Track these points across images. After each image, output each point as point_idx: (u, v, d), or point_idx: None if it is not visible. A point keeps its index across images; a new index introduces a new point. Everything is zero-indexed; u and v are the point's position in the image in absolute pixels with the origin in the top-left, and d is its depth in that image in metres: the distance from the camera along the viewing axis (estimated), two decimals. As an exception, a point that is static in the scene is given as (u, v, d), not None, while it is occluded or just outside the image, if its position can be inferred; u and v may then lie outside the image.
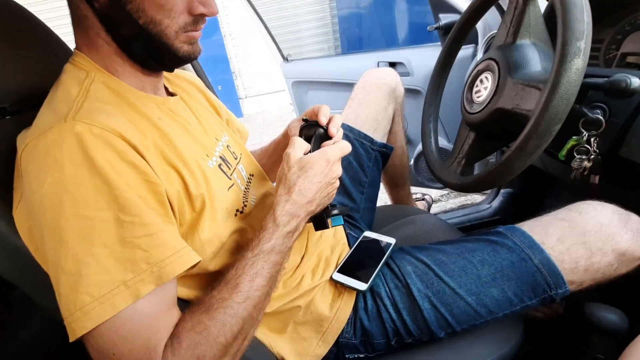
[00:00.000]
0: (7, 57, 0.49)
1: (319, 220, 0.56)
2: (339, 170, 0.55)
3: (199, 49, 0.51)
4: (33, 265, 0.42)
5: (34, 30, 0.54)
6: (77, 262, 0.36)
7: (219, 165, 0.55)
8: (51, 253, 0.38)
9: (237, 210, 0.56)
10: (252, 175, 0.65)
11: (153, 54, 0.48)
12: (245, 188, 0.60)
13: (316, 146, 0.57)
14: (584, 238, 0.57)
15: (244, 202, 0.58)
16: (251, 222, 0.58)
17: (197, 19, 0.48)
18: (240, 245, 0.55)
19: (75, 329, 0.36)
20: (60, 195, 0.37)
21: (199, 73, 1.10)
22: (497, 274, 0.58)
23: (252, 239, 0.49)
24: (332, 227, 0.56)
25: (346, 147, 0.56)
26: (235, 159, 0.62)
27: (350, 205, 0.83)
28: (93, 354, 0.37)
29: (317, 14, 4.03)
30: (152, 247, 0.39)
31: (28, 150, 0.40)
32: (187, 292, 0.50)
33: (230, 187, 0.55)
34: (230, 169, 0.58)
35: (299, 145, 0.55)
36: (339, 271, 0.63)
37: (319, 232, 0.68)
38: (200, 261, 0.43)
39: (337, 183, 0.56)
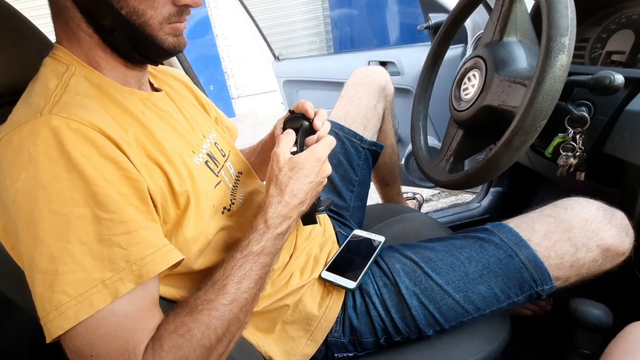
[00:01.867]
0: None
1: (308, 216, 0.55)
2: (328, 169, 0.54)
3: (184, 41, 0.50)
4: (10, 263, 0.41)
5: (11, 22, 0.52)
6: (53, 260, 0.35)
7: (206, 162, 0.54)
8: (26, 251, 0.36)
9: (225, 208, 0.55)
10: (241, 173, 0.64)
11: (136, 46, 0.47)
12: (234, 186, 0.60)
13: (302, 139, 0.57)
14: (569, 234, 0.58)
15: (231, 200, 0.57)
16: (239, 219, 0.57)
17: (182, 10, 0.46)
18: (228, 244, 0.54)
19: (52, 329, 0.35)
20: (35, 191, 0.36)
21: (187, 70, 1.09)
22: (484, 270, 0.58)
23: (241, 239, 0.49)
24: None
25: (332, 142, 0.56)
26: (224, 156, 0.61)
27: (340, 204, 0.83)
28: (70, 355, 0.36)
29: (310, 13, 4.03)
30: (132, 245, 0.38)
31: (1, 144, 0.38)
32: (172, 292, 0.49)
33: (217, 185, 0.54)
34: (217, 166, 0.57)
35: (285, 144, 0.54)
36: (327, 269, 0.62)
37: (309, 230, 0.68)
38: (183, 259, 0.42)
39: (326, 181, 0.55)
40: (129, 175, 0.40)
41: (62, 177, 0.36)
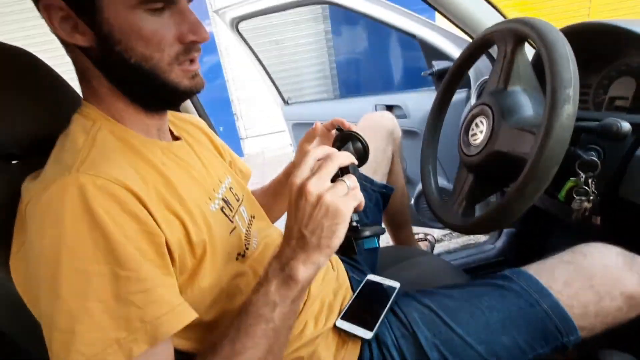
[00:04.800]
0: (15, 104, 0.50)
1: (346, 244, 0.44)
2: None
3: (201, 81, 0.50)
4: (26, 313, 0.41)
5: (43, 77, 0.55)
6: (71, 319, 0.36)
7: (222, 209, 0.55)
8: (46, 308, 0.37)
9: (239, 254, 0.55)
10: (254, 217, 0.65)
11: (152, 92, 0.48)
12: (247, 230, 0.60)
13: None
14: (590, 282, 0.57)
15: (245, 245, 0.57)
16: (253, 264, 0.57)
17: (189, 47, 0.47)
18: (241, 291, 0.53)
19: None
20: (59, 249, 0.37)
21: (200, 113, 1.14)
22: (507, 320, 0.56)
23: (258, 302, 0.44)
24: (363, 250, 0.45)
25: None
26: (237, 200, 0.62)
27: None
28: None
29: (316, 59, 4.23)
30: (147, 303, 0.38)
31: (32, 202, 0.40)
32: (184, 344, 0.48)
33: (232, 231, 0.55)
34: (232, 211, 0.58)
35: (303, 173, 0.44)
36: (342, 318, 0.61)
37: (322, 274, 0.67)
38: (196, 318, 0.42)
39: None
40: (149, 229, 0.41)
41: (85, 235, 0.37)
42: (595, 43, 0.77)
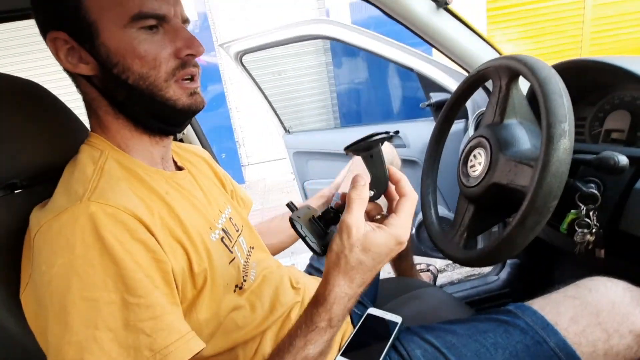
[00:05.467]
0: (19, 134, 0.51)
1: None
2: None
3: (200, 99, 0.51)
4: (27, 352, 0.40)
5: (47, 106, 0.56)
6: (81, 350, 0.35)
7: (222, 239, 0.55)
8: (54, 340, 0.36)
9: (236, 286, 0.54)
10: (253, 248, 0.64)
11: (152, 111, 0.49)
12: (245, 261, 0.59)
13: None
14: (598, 318, 0.55)
15: (243, 277, 0.56)
16: (250, 297, 0.56)
17: (185, 61, 0.48)
18: (238, 325, 0.52)
19: None
20: (69, 277, 0.37)
21: (203, 142, 1.16)
22: (513, 359, 0.54)
23: (292, 333, 0.43)
24: None
25: (413, 207, 0.44)
26: (237, 231, 0.62)
27: None
28: None
29: (318, 89, 4.34)
30: (156, 331, 0.38)
31: (42, 230, 0.40)
32: None
33: (231, 261, 0.54)
34: (231, 242, 0.57)
35: (359, 210, 0.42)
36: (342, 354, 0.58)
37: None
38: (204, 348, 0.41)
39: None
40: (157, 257, 0.41)
41: (95, 262, 0.37)
42: (588, 78, 0.79)
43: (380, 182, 0.46)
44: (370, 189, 0.44)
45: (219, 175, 0.72)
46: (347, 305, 0.43)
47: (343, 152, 0.49)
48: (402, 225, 0.43)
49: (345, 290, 0.42)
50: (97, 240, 0.38)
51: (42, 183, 0.50)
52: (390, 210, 0.46)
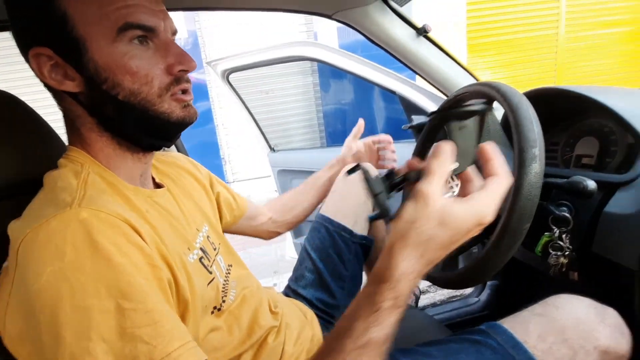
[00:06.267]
0: None
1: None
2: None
3: (194, 111, 0.50)
4: None
5: (22, 118, 0.54)
6: None
7: (200, 259, 0.53)
8: (48, 354, 0.33)
9: (215, 307, 0.52)
10: (231, 266, 0.62)
11: (144, 127, 0.47)
12: (225, 280, 0.57)
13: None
14: (563, 335, 0.55)
15: (222, 297, 0.54)
16: (228, 319, 0.54)
17: (178, 77, 0.47)
18: (215, 347, 0.50)
19: None
20: (59, 286, 0.34)
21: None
22: None
23: (350, 319, 0.38)
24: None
25: (507, 185, 0.40)
26: (215, 249, 0.60)
27: (330, 302, 0.79)
28: None
29: (304, 109, 4.40)
30: (156, 337, 0.35)
31: (28, 239, 0.37)
32: None
33: (210, 282, 0.52)
34: (210, 261, 0.56)
35: (440, 178, 0.37)
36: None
37: (296, 333, 0.63)
38: None
39: None
40: (153, 262, 0.39)
41: (87, 268, 0.35)
42: (560, 105, 0.83)
43: (467, 156, 0.42)
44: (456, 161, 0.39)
45: (202, 183, 0.69)
46: (414, 283, 0.37)
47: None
48: (487, 204, 0.38)
49: (414, 265, 0.36)
50: (90, 246, 0.36)
51: (14, 196, 0.47)
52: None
